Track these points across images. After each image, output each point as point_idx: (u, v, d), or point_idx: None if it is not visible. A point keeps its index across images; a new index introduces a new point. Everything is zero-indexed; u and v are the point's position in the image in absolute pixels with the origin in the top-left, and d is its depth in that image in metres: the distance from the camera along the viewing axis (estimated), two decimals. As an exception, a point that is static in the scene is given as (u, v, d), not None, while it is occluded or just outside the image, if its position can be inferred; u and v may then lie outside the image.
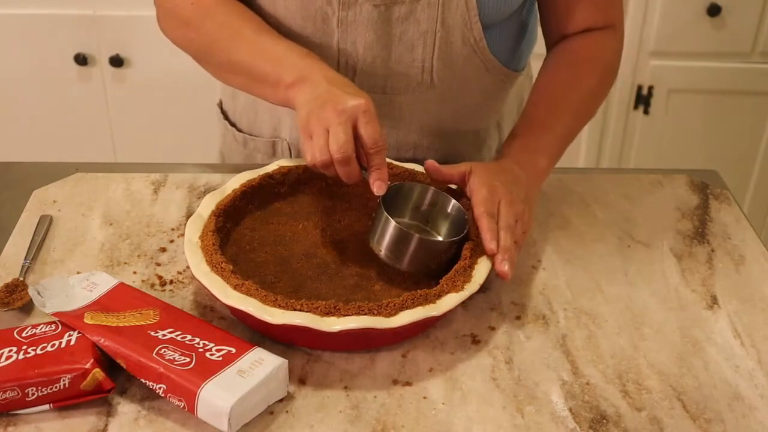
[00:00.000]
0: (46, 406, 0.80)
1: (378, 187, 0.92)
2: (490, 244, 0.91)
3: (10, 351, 0.81)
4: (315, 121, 0.92)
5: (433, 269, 0.92)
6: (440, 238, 0.97)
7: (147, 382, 0.80)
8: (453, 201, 0.96)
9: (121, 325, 0.84)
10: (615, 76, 1.15)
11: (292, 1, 1.04)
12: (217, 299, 0.86)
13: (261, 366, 0.80)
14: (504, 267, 0.91)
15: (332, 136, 0.91)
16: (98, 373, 0.80)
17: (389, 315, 0.83)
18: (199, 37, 1.06)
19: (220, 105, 1.28)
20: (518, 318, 0.93)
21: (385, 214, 0.91)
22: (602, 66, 1.13)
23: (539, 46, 1.20)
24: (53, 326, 0.85)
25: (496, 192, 0.96)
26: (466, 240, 0.93)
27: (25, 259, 0.99)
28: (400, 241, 0.91)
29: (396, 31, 1.05)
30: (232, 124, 1.25)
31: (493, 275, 0.96)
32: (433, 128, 1.15)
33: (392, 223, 0.90)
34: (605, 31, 1.13)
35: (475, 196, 0.95)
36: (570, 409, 0.82)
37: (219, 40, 1.05)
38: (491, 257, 0.92)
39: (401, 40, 1.06)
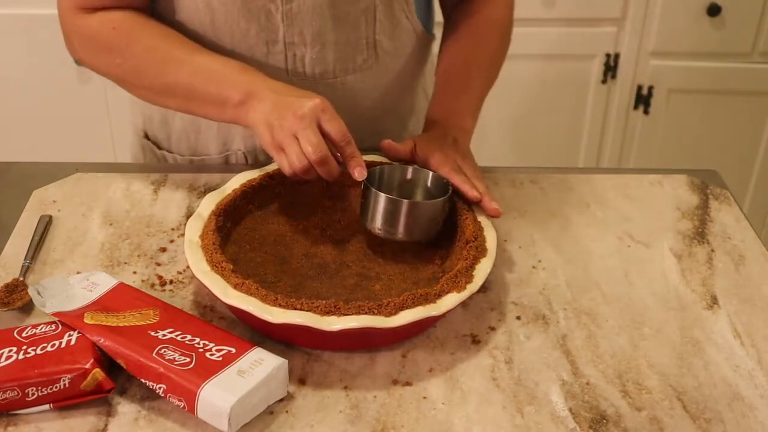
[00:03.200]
0: (46, 406, 0.80)
1: (359, 173, 0.95)
2: (471, 192, 0.99)
3: (10, 351, 0.81)
4: (280, 132, 0.95)
5: (431, 234, 0.97)
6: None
7: (147, 382, 0.80)
8: (430, 172, 1.01)
9: (121, 325, 0.84)
10: (511, 33, 1.24)
11: (232, 4, 1.05)
12: (218, 299, 0.86)
13: (261, 366, 0.80)
14: (494, 205, 0.98)
15: (304, 141, 0.93)
16: (98, 373, 0.80)
17: (389, 315, 0.83)
18: (125, 62, 1.05)
19: (146, 136, 1.25)
20: (518, 318, 0.93)
21: (373, 189, 0.95)
22: (500, 28, 1.21)
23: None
24: (53, 326, 0.85)
25: (448, 152, 1.03)
26: (452, 199, 0.99)
27: (25, 259, 0.99)
28: (392, 210, 0.95)
29: (340, 14, 1.08)
30: (169, 151, 1.23)
31: (493, 275, 0.96)
32: (379, 105, 1.19)
33: (381, 196, 0.95)
34: None
35: (433, 161, 1.02)
36: (570, 409, 0.82)
37: (150, 63, 1.04)
38: (478, 203, 0.99)
39: (346, 21, 1.09)
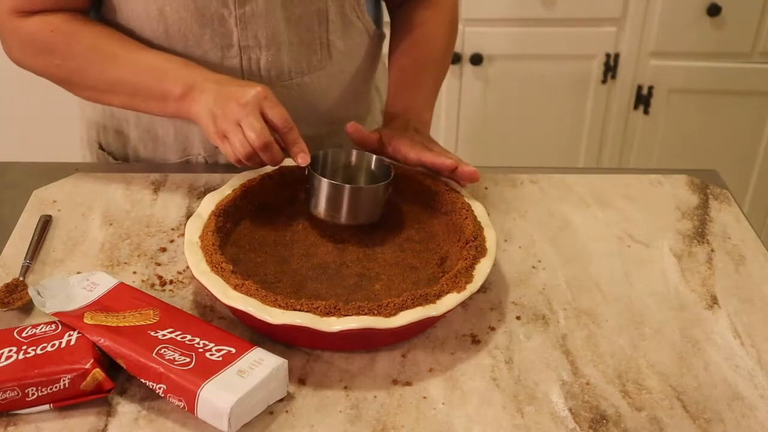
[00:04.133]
0: (46, 406, 0.80)
1: (302, 158, 0.98)
2: (446, 161, 1.00)
3: (10, 351, 0.81)
4: (223, 121, 0.97)
5: (374, 217, 1.00)
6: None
7: (147, 382, 0.80)
8: (374, 156, 1.03)
9: (121, 325, 0.84)
10: (457, 27, 1.26)
11: (185, 11, 1.05)
12: (217, 299, 0.86)
13: (261, 366, 0.80)
14: (470, 168, 1.00)
15: (247, 128, 0.95)
16: (98, 373, 0.80)
17: (389, 315, 0.83)
18: (65, 63, 1.06)
19: (100, 147, 1.24)
20: (518, 318, 0.93)
21: (316, 175, 0.97)
22: (447, 23, 1.23)
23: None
24: (53, 326, 0.85)
25: (414, 137, 1.06)
26: (390, 183, 1.00)
27: (25, 259, 0.99)
28: (335, 195, 0.97)
29: (293, 16, 1.09)
30: (126, 161, 1.23)
31: (493, 275, 0.96)
32: (335, 104, 1.20)
33: (324, 181, 0.97)
34: None
35: (402, 147, 1.04)
36: (570, 409, 0.82)
37: (91, 62, 1.05)
38: (454, 171, 1.01)
39: (299, 23, 1.10)
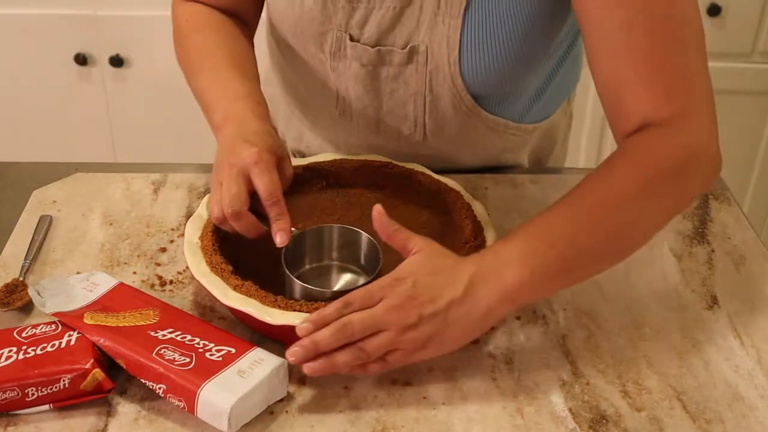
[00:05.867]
0: (46, 406, 0.80)
1: (280, 238, 0.86)
2: (300, 324, 0.79)
3: (10, 351, 0.81)
4: (214, 174, 0.90)
5: None
6: (361, 281, 0.91)
7: (147, 382, 0.80)
8: (363, 235, 0.91)
9: (120, 325, 0.84)
10: (676, 181, 0.85)
11: (293, 41, 1.05)
12: (217, 300, 0.86)
13: (261, 366, 0.80)
14: (294, 350, 0.78)
15: (224, 191, 0.87)
16: (98, 373, 0.80)
17: (389, 315, 0.83)
18: (182, 55, 1.08)
19: None
20: (518, 318, 0.93)
21: (287, 274, 0.87)
22: (648, 165, 0.85)
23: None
24: (53, 326, 0.85)
25: (394, 288, 0.79)
26: (378, 277, 0.83)
27: (25, 259, 0.99)
28: (310, 297, 0.86)
29: (386, 89, 1.04)
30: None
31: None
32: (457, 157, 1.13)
33: (297, 284, 0.86)
34: (670, 125, 0.86)
35: (380, 279, 0.81)
36: (570, 409, 0.82)
37: (190, 63, 1.06)
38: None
39: (392, 97, 1.04)
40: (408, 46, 0.98)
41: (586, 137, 2.26)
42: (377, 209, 0.84)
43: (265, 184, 0.86)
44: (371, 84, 1.03)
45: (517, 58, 0.96)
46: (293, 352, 0.78)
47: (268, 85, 1.17)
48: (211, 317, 0.92)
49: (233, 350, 0.82)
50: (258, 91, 0.99)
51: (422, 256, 0.81)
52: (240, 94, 0.97)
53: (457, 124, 1.05)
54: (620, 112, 0.89)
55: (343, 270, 0.94)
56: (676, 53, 0.87)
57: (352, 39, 1.00)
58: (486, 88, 1.00)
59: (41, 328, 0.85)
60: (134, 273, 0.98)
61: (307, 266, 0.94)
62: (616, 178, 0.85)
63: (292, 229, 0.88)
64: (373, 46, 0.99)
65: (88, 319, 0.85)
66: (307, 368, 0.78)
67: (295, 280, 0.86)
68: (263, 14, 1.13)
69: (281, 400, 0.82)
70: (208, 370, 0.79)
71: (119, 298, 0.89)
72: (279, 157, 0.90)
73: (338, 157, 1.07)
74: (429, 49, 0.97)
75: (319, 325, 0.78)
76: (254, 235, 0.88)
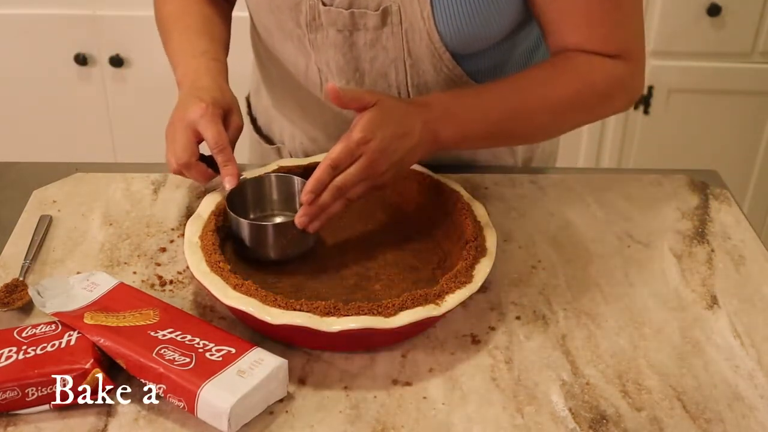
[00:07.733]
0: (46, 406, 0.80)
1: (228, 182, 0.96)
2: (305, 195, 0.91)
3: (10, 351, 0.81)
4: (167, 129, 1.00)
5: (307, 246, 0.97)
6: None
7: (147, 382, 0.80)
8: (296, 179, 0.99)
9: (120, 325, 0.84)
10: (601, 102, 1.03)
11: (270, 22, 1.07)
12: (217, 299, 0.86)
13: (261, 366, 0.80)
14: (302, 220, 0.92)
15: (176, 144, 0.98)
16: (98, 373, 0.80)
17: (389, 315, 0.83)
18: (158, 25, 1.15)
19: (247, 98, 1.32)
20: (518, 318, 0.93)
21: (232, 215, 0.94)
22: (585, 83, 1.01)
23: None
24: (53, 326, 0.85)
25: (368, 144, 0.90)
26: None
27: (25, 259, 0.99)
28: (258, 235, 0.95)
29: (365, 57, 1.04)
30: (253, 120, 1.29)
31: (493, 275, 0.96)
32: None
33: (244, 222, 0.94)
34: (611, 58, 1.01)
35: (345, 137, 0.90)
36: (570, 409, 0.82)
37: (163, 29, 1.13)
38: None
39: (373, 66, 1.05)
40: (381, 8, 1.00)
41: (586, 137, 2.26)
42: (329, 85, 0.91)
43: (212, 134, 0.96)
44: (351, 53, 1.04)
45: (490, 1, 0.98)
46: (301, 221, 0.91)
47: (259, 95, 1.25)
48: (211, 317, 0.92)
49: (233, 350, 0.82)
50: (216, 49, 1.08)
51: (380, 112, 0.92)
52: (197, 51, 1.06)
53: (439, 89, 1.05)
54: (558, 39, 1.01)
55: (281, 216, 1.01)
56: None
57: (324, 4, 1.01)
58: (461, 38, 1.00)
59: (41, 328, 0.85)
60: (134, 273, 0.98)
61: (251, 216, 1.00)
62: (555, 84, 1.00)
63: (241, 175, 0.98)
64: (346, 9, 1.01)
65: (88, 319, 0.85)
66: (312, 227, 0.92)
67: (241, 219, 0.94)
68: (247, 18, 1.15)
69: (281, 400, 0.82)
70: (208, 370, 0.79)
71: (119, 298, 0.89)
72: (226, 110, 1.00)
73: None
74: (401, 7, 0.99)
75: (318, 192, 0.90)
76: (205, 181, 1.00)
